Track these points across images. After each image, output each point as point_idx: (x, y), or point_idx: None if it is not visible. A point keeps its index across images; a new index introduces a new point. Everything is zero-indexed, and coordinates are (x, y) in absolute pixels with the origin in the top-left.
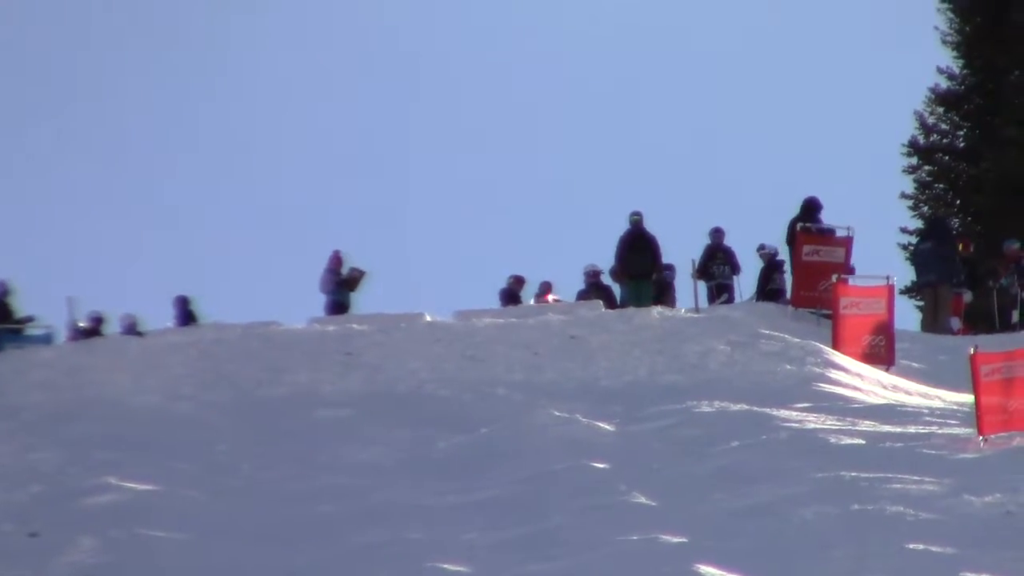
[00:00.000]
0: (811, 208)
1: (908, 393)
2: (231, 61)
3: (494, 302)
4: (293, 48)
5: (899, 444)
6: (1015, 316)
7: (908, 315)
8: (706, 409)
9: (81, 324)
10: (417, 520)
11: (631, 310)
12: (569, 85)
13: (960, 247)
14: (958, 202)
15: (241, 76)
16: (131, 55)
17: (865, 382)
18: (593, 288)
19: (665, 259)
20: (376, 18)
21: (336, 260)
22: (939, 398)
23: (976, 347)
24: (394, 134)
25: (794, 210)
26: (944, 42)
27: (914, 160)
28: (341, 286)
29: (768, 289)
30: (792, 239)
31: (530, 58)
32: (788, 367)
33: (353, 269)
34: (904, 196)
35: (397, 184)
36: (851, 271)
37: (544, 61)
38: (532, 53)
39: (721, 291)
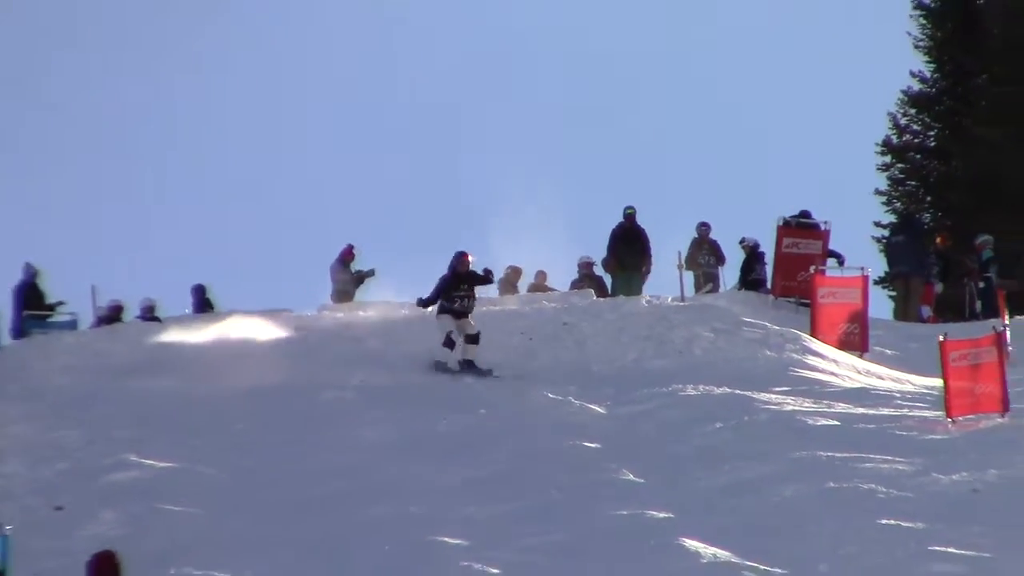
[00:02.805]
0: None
1: (881, 378)
2: (250, 52)
3: (492, 290)
4: (317, 41)
5: (872, 426)
6: (978, 305)
7: (881, 304)
8: (691, 392)
9: (103, 311)
10: (419, 495)
11: (621, 299)
12: (568, 86)
13: (938, 240)
14: (929, 198)
15: (260, 68)
16: (148, 45)
17: (840, 367)
18: (586, 278)
19: (654, 251)
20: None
21: (348, 252)
22: (910, 382)
23: (945, 335)
24: (397, 130)
25: (776, 205)
26: (916, 47)
27: (887, 158)
28: (350, 278)
29: (750, 279)
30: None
31: (527, 58)
32: (768, 353)
33: (361, 271)
34: (878, 192)
35: (402, 179)
36: (841, 260)
37: (541, 62)
38: (529, 52)
39: (707, 280)
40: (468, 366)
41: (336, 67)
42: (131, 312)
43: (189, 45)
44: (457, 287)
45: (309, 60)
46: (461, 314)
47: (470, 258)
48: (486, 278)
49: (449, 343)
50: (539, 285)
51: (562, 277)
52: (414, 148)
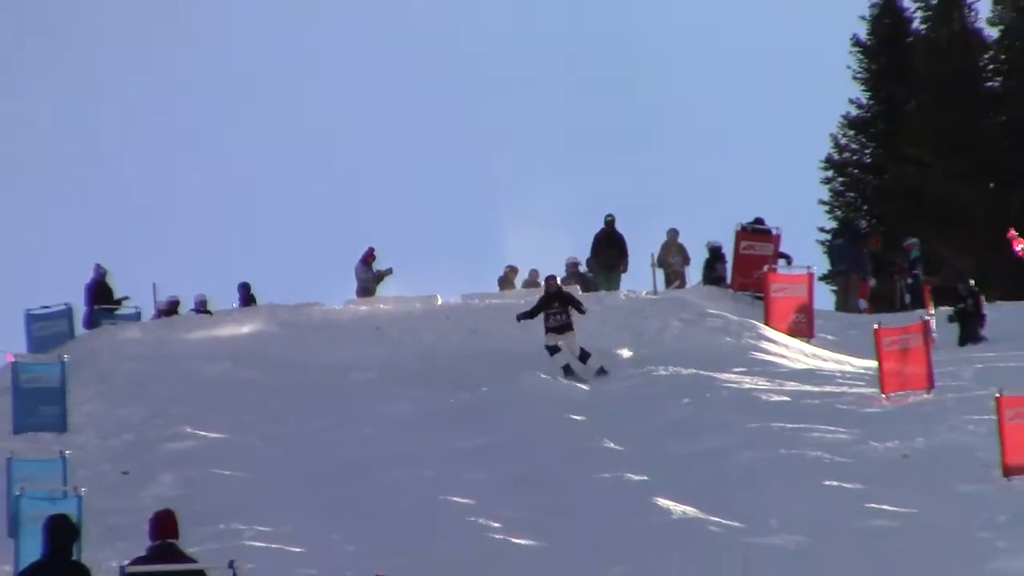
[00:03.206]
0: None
1: (825, 360)
2: (281, 53)
3: (493, 287)
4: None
5: (817, 401)
6: (907, 298)
7: (824, 298)
8: (663, 373)
9: (162, 305)
10: (431, 462)
11: (603, 293)
12: (558, 88)
13: (872, 243)
14: (866, 207)
15: (295, 69)
16: (179, 41)
17: (790, 351)
18: (573, 276)
19: (631, 253)
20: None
21: (370, 253)
22: (849, 364)
23: (879, 324)
24: (409, 137)
25: (735, 213)
26: (855, 78)
27: (830, 173)
28: (371, 276)
29: (712, 276)
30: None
31: (525, 57)
32: (728, 339)
33: (380, 270)
34: (821, 202)
35: (417, 186)
36: (789, 260)
37: (535, 61)
38: (527, 52)
39: (675, 277)
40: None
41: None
42: (186, 306)
43: (223, 41)
44: (550, 305)
45: (350, 70)
46: (558, 329)
47: (557, 280)
48: (579, 304)
49: (554, 350)
50: (532, 281)
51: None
52: (429, 153)
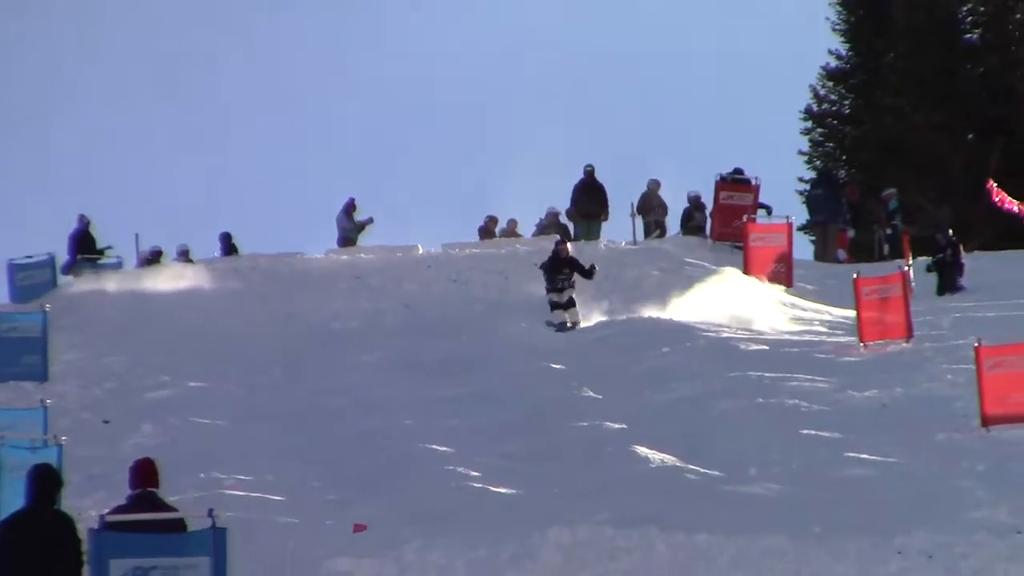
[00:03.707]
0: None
1: (803, 309)
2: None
3: (474, 237)
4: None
5: (796, 350)
6: (886, 248)
7: (803, 247)
8: (641, 322)
9: (144, 254)
10: (410, 410)
11: (583, 243)
12: (542, 52)
13: (849, 193)
14: (844, 158)
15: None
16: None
17: (769, 300)
18: (553, 226)
19: (611, 202)
20: None
21: (351, 203)
22: (828, 313)
23: (858, 273)
24: (391, 87)
25: (714, 163)
26: (834, 30)
27: (809, 124)
28: (352, 226)
29: (691, 226)
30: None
31: (510, 15)
32: (707, 288)
33: (362, 220)
34: (801, 153)
35: (398, 136)
36: (769, 210)
37: (523, 22)
38: (517, 16)
39: (655, 227)
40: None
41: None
42: (169, 256)
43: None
44: (559, 271)
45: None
46: (562, 291)
47: (568, 245)
48: (589, 271)
49: (555, 306)
50: (511, 231)
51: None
52: (406, 115)
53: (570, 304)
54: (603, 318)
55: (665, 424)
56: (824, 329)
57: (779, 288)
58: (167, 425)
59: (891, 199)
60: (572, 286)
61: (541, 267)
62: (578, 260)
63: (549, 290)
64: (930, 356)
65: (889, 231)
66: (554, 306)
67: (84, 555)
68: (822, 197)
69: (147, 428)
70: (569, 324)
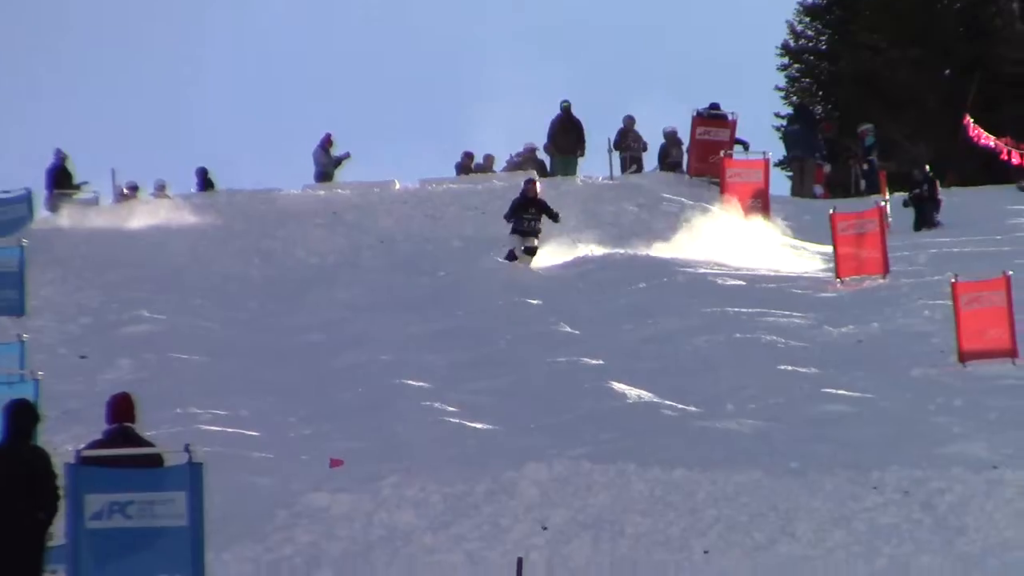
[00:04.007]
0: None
1: (780, 245)
2: None
3: (451, 172)
4: None
5: (772, 285)
6: (862, 184)
7: (780, 183)
8: (618, 257)
9: (121, 190)
10: (388, 346)
11: (559, 179)
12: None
13: (825, 128)
14: (820, 93)
15: None
16: None
17: (746, 235)
18: (530, 161)
19: (588, 138)
20: None
21: (328, 139)
22: (804, 249)
23: (834, 208)
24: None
25: (691, 98)
26: None
27: (786, 60)
28: (330, 161)
29: (668, 161)
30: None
31: None
32: (684, 223)
33: (339, 155)
34: (777, 89)
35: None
36: (746, 145)
37: None
38: None
39: (632, 163)
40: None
41: None
42: (146, 191)
43: None
44: (526, 210)
45: None
46: (528, 233)
47: (537, 184)
48: (554, 213)
49: (511, 257)
50: (487, 167)
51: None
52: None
53: (533, 235)
54: (580, 254)
55: (642, 360)
56: (801, 265)
57: (756, 223)
58: (143, 360)
59: (867, 135)
60: (539, 230)
61: (506, 216)
62: (546, 203)
63: (514, 230)
64: (907, 292)
65: (865, 167)
66: (511, 255)
67: (60, 490)
68: (799, 133)
69: (124, 363)
70: (519, 263)
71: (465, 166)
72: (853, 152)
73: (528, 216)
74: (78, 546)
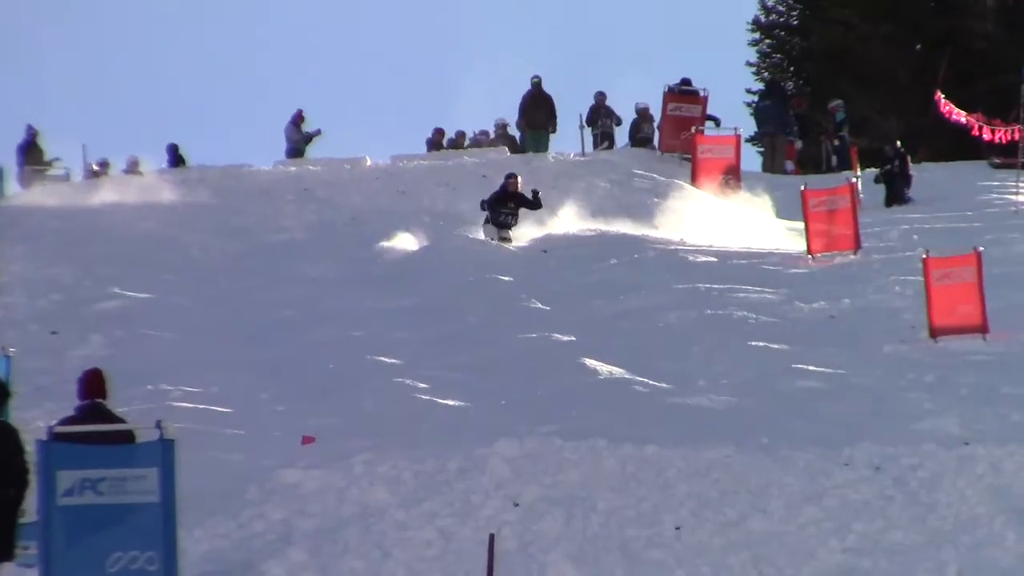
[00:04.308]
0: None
1: (752, 221)
2: None
3: (422, 149)
4: None
5: (744, 261)
6: (834, 160)
7: (751, 159)
8: (590, 234)
9: (92, 166)
10: (359, 322)
11: (531, 155)
12: None
13: (796, 104)
14: (792, 69)
15: None
16: None
17: (717, 211)
18: (501, 137)
19: (559, 114)
20: None
21: (299, 115)
22: (776, 225)
23: (806, 185)
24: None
25: (662, 74)
26: None
27: (757, 35)
28: (301, 138)
29: (640, 137)
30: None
31: None
32: (656, 200)
33: (310, 132)
34: (749, 64)
35: (347, 47)
36: (717, 121)
37: None
38: None
39: (604, 139)
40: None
41: None
42: (118, 168)
43: None
44: (505, 204)
45: None
46: (503, 226)
47: (519, 180)
48: (534, 202)
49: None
50: (458, 143)
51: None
52: (359, 18)
53: (508, 229)
54: (551, 230)
55: (613, 336)
56: (772, 241)
57: (727, 199)
58: (115, 337)
59: (838, 111)
60: (513, 224)
61: (484, 203)
62: (525, 196)
63: (490, 220)
64: (878, 268)
65: (836, 142)
66: (488, 232)
67: (30, 466)
68: (770, 108)
69: (95, 339)
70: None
71: (436, 142)
72: (824, 128)
73: (506, 211)
74: (50, 523)
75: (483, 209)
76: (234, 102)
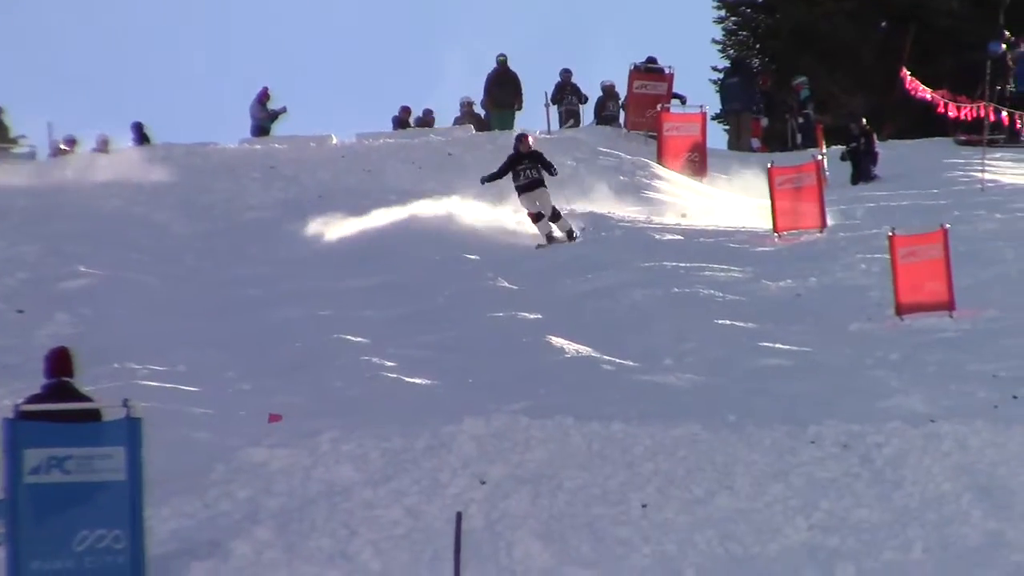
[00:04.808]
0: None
1: (718, 199)
2: None
3: (388, 127)
4: None
5: (710, 240)
6: (799, 138)
7: (718, 137)
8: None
9: (58, 144)
10: (325, 300)
11: (496, 133)
12: None
13: (762, 82)
14: (758, 46)
15: None
16: None
17: (683, 189)
18: (467, 116)
19: (525, 93)
20: None
21: (264, 93)
22: (742, 203)
23: (772, 162)
24: None
25: (628, 52)
26: None
27: (723, 12)
28: (266, 115)
29: (605, 115)
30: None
31: None
32: (622, 178)
33: (275, 109)
34: (714, 42)
35: (312, 24)
36: (683, 99)
37: None
38: None
39: (569, 117)
40: (552, 239)
41: None
42: (84, 146)
43: None
44: (520, 162)
45: None
46: (529, 187)
47: (530, 139)
48: (550, 165)
49: (537, 217)
50: (426, 121)
51: (448, 116)
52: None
53: (553, 215)
54: (518, 208)
55: (580, 314)
56: (738, 219)
57: (694, 178)
58: (81, 315)
59: (802, 88)
60: (540, 179)
61: (484, 179)
62: (542, 154)
63: (517, 189)
64: (844, 246)
65: (801, 120)
66: (536, 218)
67: None
68: (737, 86)
69: (61, 318)
70: (559, 235)
71: (402, 120)
72: (789, 106)
73: (522, 167)
74: (16, 501)
75: (484, 183)
76: (199, 79)
